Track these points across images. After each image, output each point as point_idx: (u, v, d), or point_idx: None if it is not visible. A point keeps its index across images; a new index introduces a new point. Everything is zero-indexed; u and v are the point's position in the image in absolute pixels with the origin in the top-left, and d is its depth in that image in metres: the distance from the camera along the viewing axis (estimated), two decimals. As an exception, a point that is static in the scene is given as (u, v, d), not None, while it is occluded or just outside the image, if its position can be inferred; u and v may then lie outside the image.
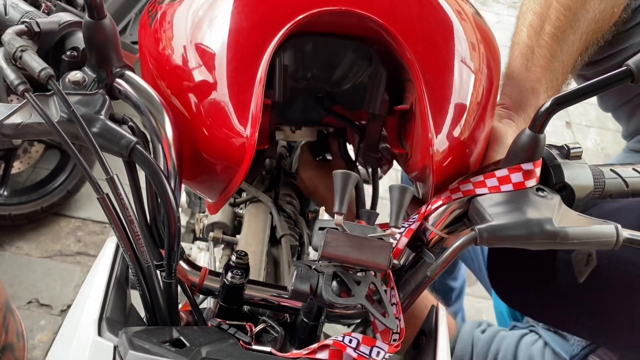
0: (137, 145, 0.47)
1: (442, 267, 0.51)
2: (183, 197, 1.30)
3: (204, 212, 1.11)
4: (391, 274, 0.53)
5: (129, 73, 0.52)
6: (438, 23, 0.59)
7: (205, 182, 0.57)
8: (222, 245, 0.95)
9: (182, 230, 1.33)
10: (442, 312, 0.54)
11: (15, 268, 1.92)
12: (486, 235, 0.50)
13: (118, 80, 0.52)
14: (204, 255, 1.13)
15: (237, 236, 0.94)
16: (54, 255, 1.99)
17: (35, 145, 2.06)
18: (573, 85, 0.92)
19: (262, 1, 0.56)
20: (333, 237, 0.44)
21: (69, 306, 1.84)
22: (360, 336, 0.48)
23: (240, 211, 0.99)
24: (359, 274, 0.47)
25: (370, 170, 0.82)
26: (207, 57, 0.54)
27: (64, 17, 0.54)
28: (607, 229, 0.52)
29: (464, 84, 0.58)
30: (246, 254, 0.56)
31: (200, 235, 1.04)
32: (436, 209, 0.56)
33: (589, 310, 0.73)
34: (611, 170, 0.60)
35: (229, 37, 0.54)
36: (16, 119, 0.47)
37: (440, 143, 0.55)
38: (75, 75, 0.50)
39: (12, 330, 1.36)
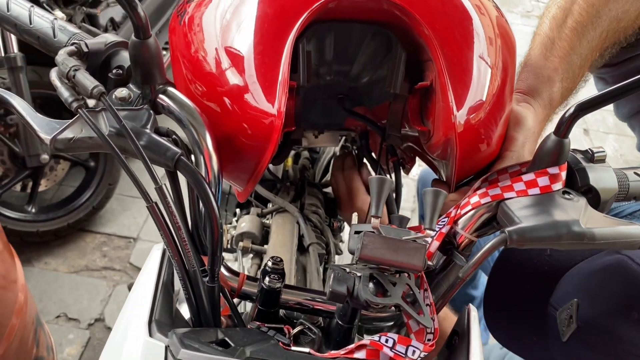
0: (182, 157, 0.50)
1: (474, 268, 0.53)
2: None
3: (230, 224, 1.13)
4: (424, 276, 0.55)
5: (171, 89, 0.55)
6: (454, 4, 0.62)
7: (235, 168, 0.60)
8: (251, 255, 0.98)
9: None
10: (474, 313, 0.56)
11: (44, 283, 1.97)
12: (516, 236, 0.51)
13: (161, 96, 0.55)
14: (231, 266, 1.15)
15: (265, 246, 0.97)
16: (81, 270, 2.03)
17: (61, 163, 2.11)
18: (591, 83, 0.94)
19: None
20: (370, 239, 0.46)
21: (96, 320, 1.87)
22: (395, 336, 0.50)
23: (268, 222, 1.01)
24: (394, 275, 0.49)
25: (393, 174, 0.84)
26: (237, 59, 0.57)
27: (109, 37, 0.57)
28: (633, 229, 0.54)
29: (482, 64, 0.61)
30: (281, 260, 0.59)
31: (229, 246, 1.07)
32: (466, 213, 0.58)
33: None
34: (635, 173, 0.62)
35: (255, 28, 0.57)
36: (68, 134, 0.51)
37: (461, 115, 0.58)
38: (121, 92, 0.53)
39: (42, 344, 1.39)
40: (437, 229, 0.57)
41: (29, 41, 0.60)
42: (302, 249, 0.93)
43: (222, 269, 0.59)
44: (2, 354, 1.07)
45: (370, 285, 0.48)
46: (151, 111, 0.53)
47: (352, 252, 0.49)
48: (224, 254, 1.20)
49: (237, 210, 1.17)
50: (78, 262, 2.06)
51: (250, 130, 0.55)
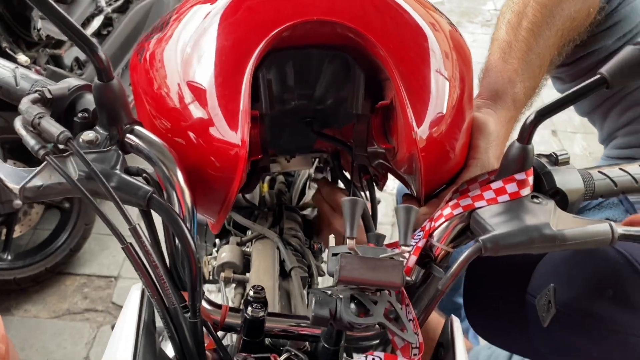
0: (154, 195, 0.50)
1: (452, 279, 0.54)
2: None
3: (211, 254, 1.13)
4: (405, 291, 0.55)
5: (138, 128, 0.55)
6: (409, 24, 0.64)
7: (205, 200, 0.60)
8: (234, 285, 0.97)
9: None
10: (457, 324, 0.56)
11: (25, 331, 1.92)
12: (490, 245, 0.53)
13: (128, 135, 0.55)
14: (215, 297, 1.14)
15: (247, 274, 0.96)
16: (62, 314, 1.99)
17: (35, 207, 2.08)
18: (550, 84, 0.96)
19: (240, 23, 0.60)
20: (347, 261, 0.47)
21: (81, 364, 1.83)
22: (382, 354, 0.50)
23: (248, 249, 1.01)
24: (375, 294, 0.50)
25: (367, 192, 0.85)
26: (199, 93, 0.57)
27: (72, 82, 0.57)
28: (602, 227, 0.56)
29: (440, 78, 0.63)
30: (262, 288, 0.59)
31: (210, 277, 1.06)
32: (440, 225, 0.59)
33: (557, 350, 0.76)
34: (599, 172, 0.64)
35: (215, 61, 0.58)
36: (37, 182, 0.50)
37: (422, 130, 0.59)
38: (88, 135, 0.53)
39: (27, 394, 1.36)
40: (414, 244, 0.58)
41: (-9, 91, 0.60)
42: (284, 274, 0.93)
43: (204, 303, 0.59)
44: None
45: (352, 306, 0.49)
46: (120, 152, 0.53)
47: (331, 275, 0.49)
48: (208, 286, 1.19)
49: (217, 240, 1.16)
50: (59, 306, 2.01)
51: (217, 162, 0.55)
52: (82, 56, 2.26)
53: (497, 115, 0.71)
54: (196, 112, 0.57)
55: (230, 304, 0.98)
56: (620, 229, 0.56)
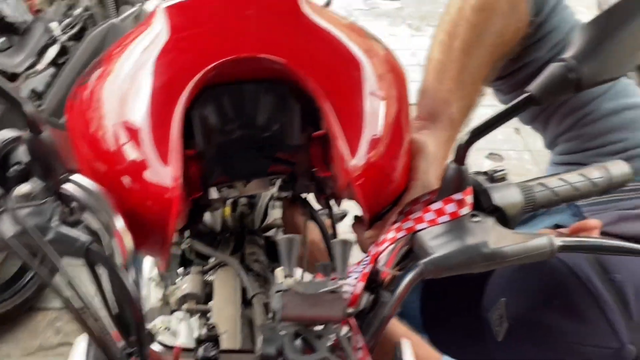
0: (92, 245, 0.50)
1: (397, 304, 0.55)
2: (154, 272, 1.30)
3: (174, 284, 1.12)
4: (354, 320, 0.56)
5: (74, 176, 0.55)
6: (340, 53, 0.65)
7: (146, 242, 0.60)
8: (198, 315, 0.97)
9: (159, 303, 1.33)
10: (407, 347, 0.57)
11: (-3, 372, 1.88)
12: (431, 267, 0.54)
13: (64, 185, 0.54)
14: (184, 326, 1.13)
15: (211, 303, 0.96)
16: (35, 351, 1.95)
17: None
18: (488, 97, 0.98)
19: (172, 63, 0.61)
20: (288, 299, 0.47)
21: (57, 402, 1.80)
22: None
23: (211, 278, 1.00)
24: (319, 328, 0.50)
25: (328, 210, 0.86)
26: (134, 133, 0.57)
27: (5, 134, 0.56)
28: (540, 241, 0.57)
29: (375, 100, 0.64)
30: (214, 327, 0.59)
31: (177, 307, 1.05)
32: (385, 249, 0.59)
33: None
34: (539, 183, 0.65)
35: (151, 99, 0.59)
36: (-27, 240, 0.50)
37: (358, 157, 0.60)
38: (23, 188, 0.52)
39: None
40: (360, 270, 0.59)
41: None
42: (247, 302, 0.93)
43: (155, 346, 0.59)
44: None
45: (297, 342, 0.49)
46: (56, 203, 0.53)
47: (274, 313, 0.50)
48: (177, 313, 1.18)
49: (181, 269, 1.15)
50: (31, 343, 1.97)
51: (152, 206, 0.56)
52: (41, 86, 2.23)
53: (435, 136, 0.72)
54: (130, 154, 0.57)
55: (195, 336, 0.97)
56: (558, 241, 0.57)
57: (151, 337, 0.57)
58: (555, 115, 0.94)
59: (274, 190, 1.19)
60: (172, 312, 1.22)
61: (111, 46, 0.67)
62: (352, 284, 0.57)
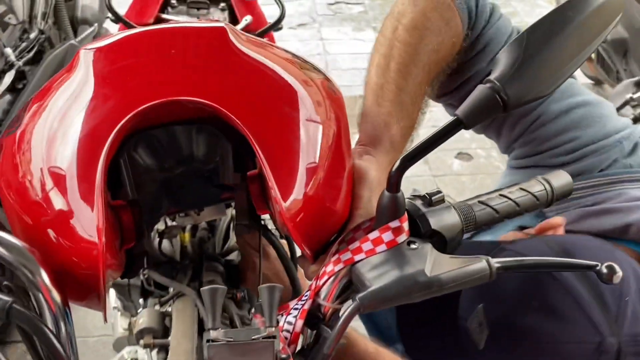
0: (14, 305, 0.48)
1: (337, 340, 0.54)
2: (119, 302, 1.28)
3: (135, 315, 1.09)
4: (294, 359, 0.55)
5: (-4, 235, 0.53)
6: (274, 87, 0.64)
7: (79, 296, 0.58)
8: (157, 349, 0.94)
9: (126, 332, 1.31)
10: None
11: (-32, 412, 1.83)
12: (367, 302, 0.53)
13: (-14, 244, 0.52)
14: (149, 357, 1.11)
15: (169, 337, 0.94)
16: (8, 386, 1.90)
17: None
18: (429, 113, 0.98)
19: (99, 109, 0.59)
20: (215, 351, 0.46)
21: None
22: None
23: (169, 309, 0.98)
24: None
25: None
26: (59, 179, 0.56)
27: None
28: (478, 265, 0.56)
29: (311, 139, 0.62)
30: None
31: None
32: (324, 283, 0.58)
33: None
34: (479, 202, 0.65)
35: (78, 145, 0.57)
36: None
37: (294, 194, 0.59)
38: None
39: None
40: (300, 307, 0.58)
41: None
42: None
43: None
44: None
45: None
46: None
47: (205, 363, 0.48)
48: (137, 348, 1.16)
49: (141, 300, 1.13)
50: (3, 378, 1.93)
51: (79, 261, 0.54)
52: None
53: (377, 161, 0.71)
54: (57, 202, 0.55)
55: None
56: (496, 263, 0.57)
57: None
58: (506, 123, 0.94)
59: (233, 212, 1.17)
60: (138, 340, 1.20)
61: (36, 93, 0.65)
62: (292, 322, 0.56)
